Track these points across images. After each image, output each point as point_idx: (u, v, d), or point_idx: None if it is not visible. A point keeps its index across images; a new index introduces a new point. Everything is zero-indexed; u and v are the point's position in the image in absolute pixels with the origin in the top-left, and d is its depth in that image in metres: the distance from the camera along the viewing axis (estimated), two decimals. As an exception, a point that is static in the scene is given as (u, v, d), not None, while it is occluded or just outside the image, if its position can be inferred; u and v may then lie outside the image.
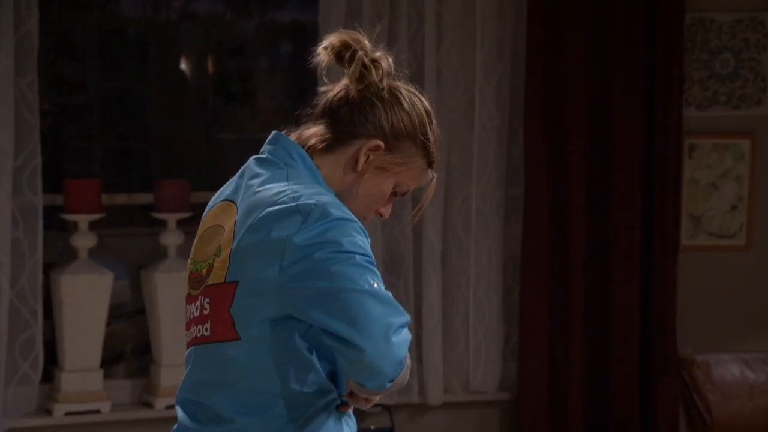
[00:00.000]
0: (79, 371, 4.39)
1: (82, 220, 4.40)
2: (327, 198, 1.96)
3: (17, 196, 4.28)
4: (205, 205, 2.21)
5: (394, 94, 2.07)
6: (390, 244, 4.66)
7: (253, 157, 2.12)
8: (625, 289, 4.69)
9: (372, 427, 4.64)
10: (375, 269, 1.93)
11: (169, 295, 4.42)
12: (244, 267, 1.96)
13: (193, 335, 2.06)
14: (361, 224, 1.97)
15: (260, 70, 6.35)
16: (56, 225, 4.72)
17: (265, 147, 2.11)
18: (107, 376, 4.53)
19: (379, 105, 2.06)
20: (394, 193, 2.10)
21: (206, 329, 2.01)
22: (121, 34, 6.01)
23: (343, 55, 2.06)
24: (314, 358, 1.98)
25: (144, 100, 6.17)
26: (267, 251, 1.93)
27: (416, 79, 4.58)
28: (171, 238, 4.51)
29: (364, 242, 1.95)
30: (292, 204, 1.94)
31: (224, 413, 2.00)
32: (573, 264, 4.67)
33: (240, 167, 2.13)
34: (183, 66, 6.11)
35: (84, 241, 4.41)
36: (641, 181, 4.70)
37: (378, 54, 2.07)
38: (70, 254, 4.48)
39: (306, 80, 5.06)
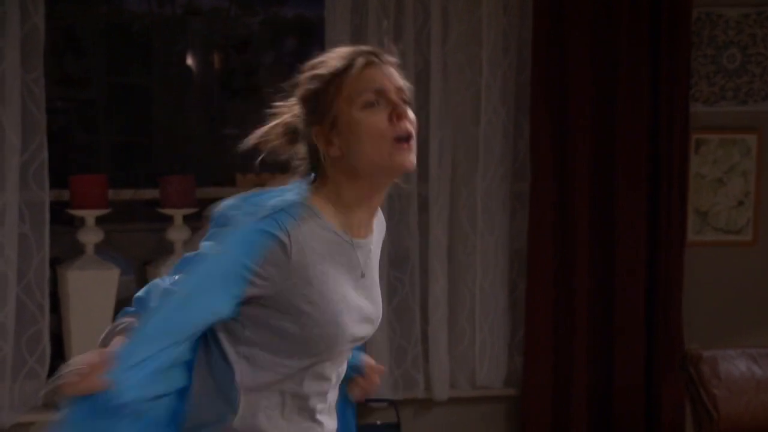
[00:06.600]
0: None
1: (89, 215, 4.40)
2: (254, 209, 1.99)
3: (24, 191, 4.29)
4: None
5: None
6: (396, 239, 4.66)
7: None
8: (631, 285, 4.69)
9: (378, 423, 4.64)
10: (198, 283, 2.00)
11: (176, 290, 4.41)
12: None
13: None
14: (255, 226, 1.96)
15: (265, 65, 6.35)
16: (63, 220, 4.73)
17: None
18: (113, 371, 4.52)
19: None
20: (371, 104, 2.02)
21: None
22: (126, 30, 6.02)
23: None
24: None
25: (149, 96, 6.17)
26: None
27: (422, 74, 4.63)
28: (177, 234, 4.51)
29: (226, 249, 1.97)
30: None
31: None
32: (578, 259, 4.66)
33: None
34: (188, 61, 6.12)
35: (90, 237, 4.41)
36: (647, 176, 4.70)
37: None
38: (77, 249, 4.49)
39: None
